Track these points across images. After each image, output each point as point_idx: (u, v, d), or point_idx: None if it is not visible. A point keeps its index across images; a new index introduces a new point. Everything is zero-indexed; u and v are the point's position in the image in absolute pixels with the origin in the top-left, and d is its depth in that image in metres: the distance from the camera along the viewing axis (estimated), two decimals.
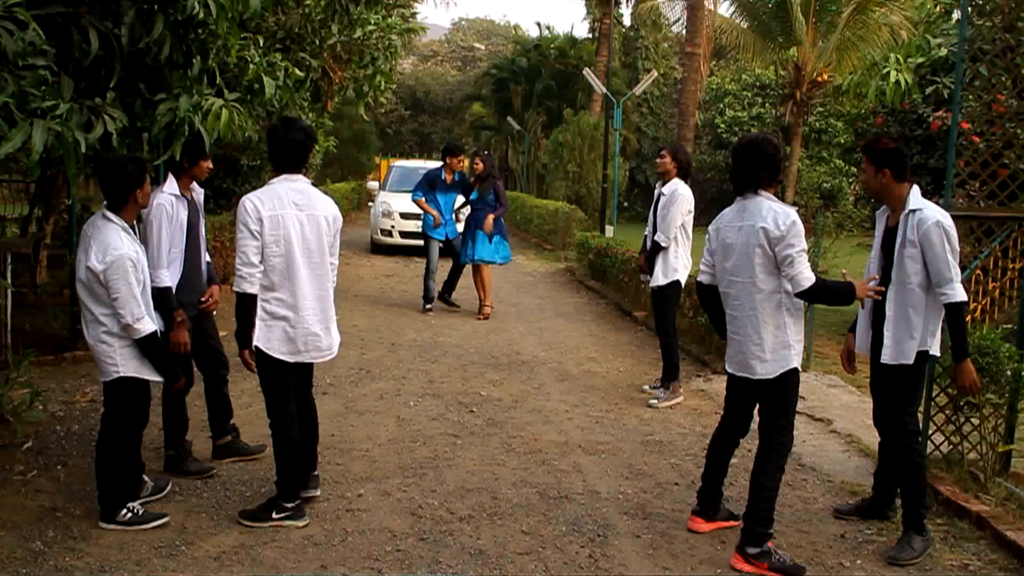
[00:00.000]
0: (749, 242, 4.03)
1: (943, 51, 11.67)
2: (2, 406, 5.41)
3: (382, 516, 4.52)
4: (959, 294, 4.11)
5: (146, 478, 4.61)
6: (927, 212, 4.15)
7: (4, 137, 3.57)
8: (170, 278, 4.72)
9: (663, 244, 6.86)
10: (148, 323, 4.15)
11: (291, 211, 4.25)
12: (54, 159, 4.05)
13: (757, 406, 4.25)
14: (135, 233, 4.34)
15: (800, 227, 3.97)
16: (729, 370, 4.27)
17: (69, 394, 6.45)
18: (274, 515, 4.34)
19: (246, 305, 4.23)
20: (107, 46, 4.22)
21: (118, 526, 4.23)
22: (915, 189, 4.28)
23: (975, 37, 5.46)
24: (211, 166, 5.05)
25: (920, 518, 4.24)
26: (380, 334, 9.28)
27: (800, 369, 4.10)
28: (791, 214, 3.98)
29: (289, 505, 4.36)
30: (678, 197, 6.86)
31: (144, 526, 4.24)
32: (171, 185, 4.83)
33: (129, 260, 4.12)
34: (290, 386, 4.40)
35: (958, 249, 4.18)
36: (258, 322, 4.26)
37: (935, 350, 4.29)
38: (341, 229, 4.53)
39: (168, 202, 4.75)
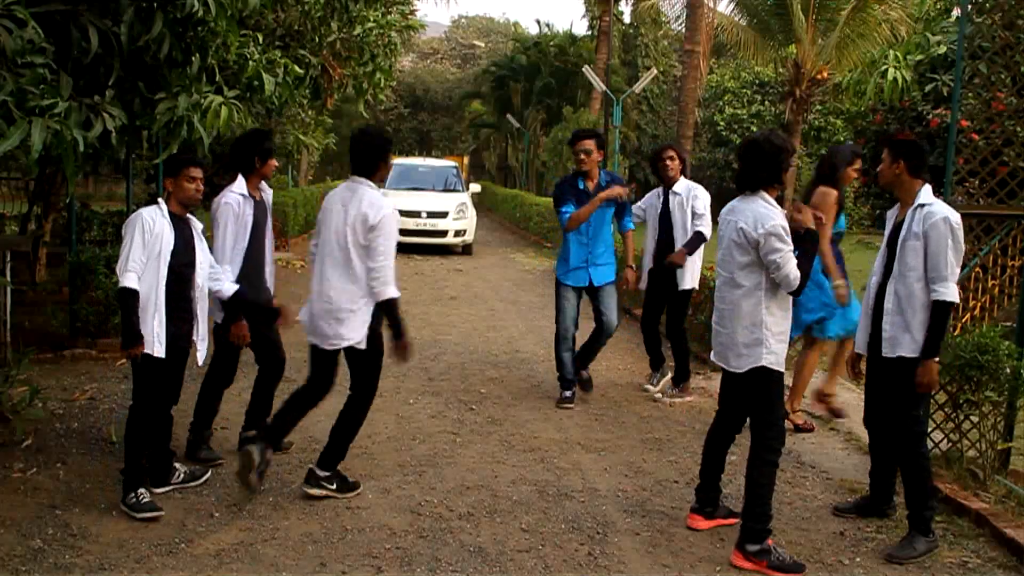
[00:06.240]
0: (730, 237, 4.10)
1: (942, 48, 11.68)
2: (2, 404, 5.41)
3: (381, 514, 4.52)
4: (951, 294, 4.09)
5: (177, 465, 4.72)
6: (936, 207, 4.15)
7: (3, 135, 3.57)
8: (232, 277, 4.87)
9: (708, 236, 6.77)
10: (131, 280, 4.25)
11: (335, 207, 4.57)
12: (53, 157, 4.06)
13: None
14: (172, 222, 4.45)
15: (781, 231, 3.94)
16: (712, 359, 4.36)
17: (68, 392, 6.45)
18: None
19: None
20: (106, 44, 4.22)
21: (125, 508, 4.34)
22: (927, 187, 4.26)
23: (975, 34, 5.46)
24: (276, 164, 5.19)
25: (925, 520, 4.23)
26: None
27: (776, 370, 4.07)
28: (773, 218, 3.96)
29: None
30: (701, 193, 6.90)
31: (136, 514, 4.31)
32: (239, 185, 4.98)
33: (144, 221, 4.31)
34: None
35: (963, 250, 4.14)
36: None
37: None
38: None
39: (235, 201, 4.91)
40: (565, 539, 4.30)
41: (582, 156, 6.56)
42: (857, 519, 4.64)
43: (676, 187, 6.92)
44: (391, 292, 4.49)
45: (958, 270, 4.14)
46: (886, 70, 12.17)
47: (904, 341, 4.21)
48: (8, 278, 6.85)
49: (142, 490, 4.39)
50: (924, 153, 4.30)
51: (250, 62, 5.68)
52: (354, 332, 4.54)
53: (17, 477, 4.79)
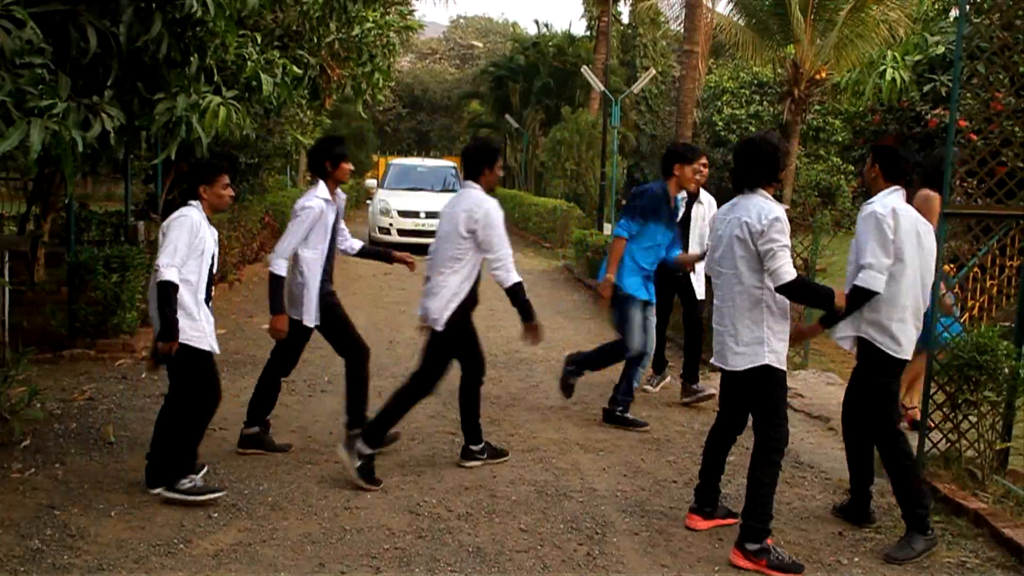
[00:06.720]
0: (732, 234, 4.11)
1: (941, 49, 11.69)
2: (0, 404, 5.40)
3: (380, 514, 4.52)
4: (866, 281, 4.17)
5: None
6: (873, 204, 4.30)
7: (2, 136, 3.57)
8: (284, 268, 5.06)
9: None
10: (172, 273, 4.35)
11: (446, 210, 5.10)
12: (52, 157, 4.06)
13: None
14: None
15: (783, 224, 4.00)
16: (712, 361, 4.36)
17: (67, 392, 6.45)
18: None
19: None
20: (105, 44, 4.21)
21: (178, 495, 4.46)
22: (888, 191, 4.36)
23: (973, 35, 5.46)
24: (351, 168, 5.36)
25: (920, 518, 4.23)
26: (379, 332, 9.27)
27: (779, 369, 4.09)
28: (775, 211, 4.02)
29: None
30: (714, 203, 6.93)
31: (198, 497, 4.47)
32: (322, 190, 5.18)
33: (194, 222, 4.45)
34: None
35: (889, 245, 4.19)
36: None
37: (900, 353, 4.29)
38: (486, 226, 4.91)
39: (319, 207, 5.11)
40: (564, 539, 4.30)
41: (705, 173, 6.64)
42: None
43: (701, 196, 6.91)
44: (513, 278, 4.96)
45: (885, 261, 4.18)
46: (884, 70, 12.17)
47: (849, 335, 4.36)
48: (7, 278, 6.84)
49: (192, 475, 4.52)
50: (901, 160, 4.41)
51: (248, 62, 5.68)
52: (435, 313, 4.93)
53: (15, 477, 4.79)
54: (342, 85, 8.68)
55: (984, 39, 5.38)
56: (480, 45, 58.79)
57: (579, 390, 7.14)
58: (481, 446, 5.31)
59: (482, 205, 4.91)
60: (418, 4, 77.77)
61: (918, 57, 12.10)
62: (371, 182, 22.14)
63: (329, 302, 5.28)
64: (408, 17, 9.91)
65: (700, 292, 6.89)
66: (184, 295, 4.42)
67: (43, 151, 3.73)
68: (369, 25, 8.19)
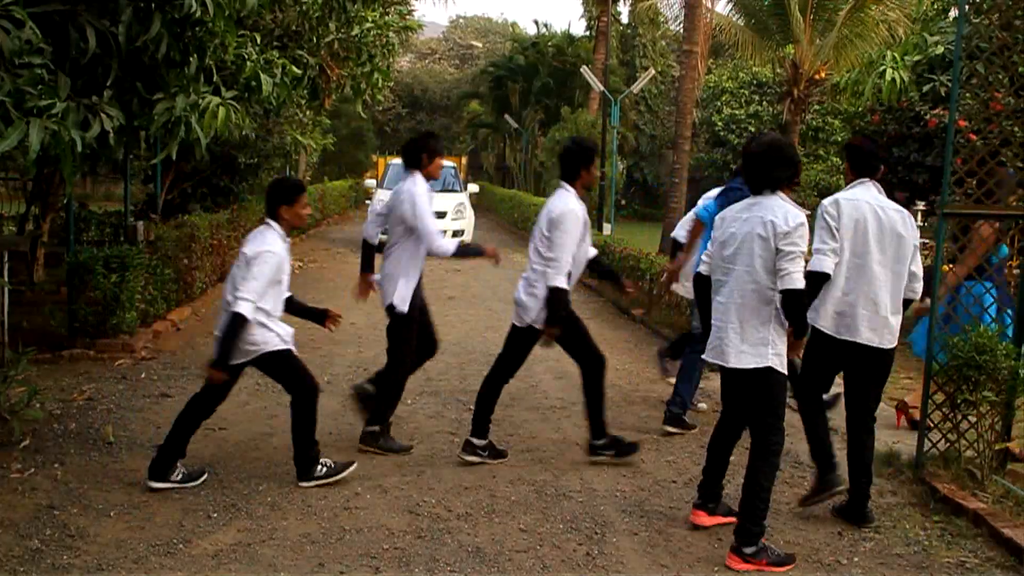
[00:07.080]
0: (753, 231, 4.05)
1: (940, 49, 11.70)
2: (0, 404, 5.41)
3: (380, 514, 4.52)
4: (812, 264, 4.40)
5: (179, 464, 4.75)
6: (827, 198, 4.58)
7: (1, 136, 3.57)
8: (452, 245, 5.61)
9: None
10: (247, 308, 4.45)
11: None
12: (51, 157, 4.06)
13: None
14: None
15: (806, 230, 4.01)
16: (705, 357, 4.34)
17: (66, 392, 6.45)
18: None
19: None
20: (104, 44, 4.22)
21: (320, 481, 4.77)
22: (854, 184, 4.61)
23: (972, 35, 5.46)
24: (444, 165, 5.61)
25: (827, 464, 4.66)
26: (378, 332, 9.24)
27: (780, 372, 4.09)
28: (801, 216, 4.03)
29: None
30: None
31: (341, 475, 4.82)
32: (422, 180, 5.55)
33: (276, 256, 4.58)
34: None
35: (833, 230, 4.40)
36: None
37: (841, 334, 4.49)
38: (554, 227, 5.09)
39: (427, 190, 5.54)
40: (563, 539, 4.30)
41: None
42: None
43: None
44: (559, 282, 5.02)
45: (832, 243, 4.38)
46: (884, 70, 12.16)
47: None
48: (6, 278, 6.84)
49: (322, 460, 4.83)
50: (866, 155, 4.63)
51: (248, 62, 5.69)
52: (528, 312, 5.15)
53: (15, 478, 4.79)
54: (341, 85, 8.69)
55: (983, 39, 5.38)
56: (479, 45, 58.76)
57: (578, 389, 7.11)
58: (486, 442, 5.34)
59: (560, 206, 5.06)
60: (418, 4, 77.71)
61: (917, 57, 12.10)
62: (370, 182, 22.08)
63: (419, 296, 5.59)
64: (407, 17, 9.94)
65: None
66: (260, 318, 4.56)
67: (42, 151, 3.73)
68: (368, 25, 8.20)
